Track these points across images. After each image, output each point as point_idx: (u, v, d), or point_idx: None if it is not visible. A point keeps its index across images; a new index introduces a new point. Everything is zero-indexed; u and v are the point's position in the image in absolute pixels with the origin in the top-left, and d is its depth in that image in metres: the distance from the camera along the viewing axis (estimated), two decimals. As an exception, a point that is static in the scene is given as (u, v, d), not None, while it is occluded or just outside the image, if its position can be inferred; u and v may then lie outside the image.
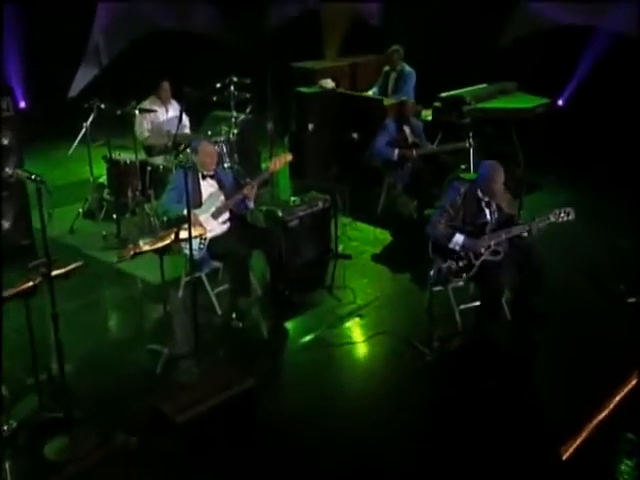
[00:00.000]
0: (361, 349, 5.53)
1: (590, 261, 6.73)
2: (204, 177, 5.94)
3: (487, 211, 5.56)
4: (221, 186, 6.00)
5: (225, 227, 5.97)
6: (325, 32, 11.36)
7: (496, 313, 5.55)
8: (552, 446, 4.41)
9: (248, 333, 5.74)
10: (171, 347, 5.26)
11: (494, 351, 5.47)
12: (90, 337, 5.60)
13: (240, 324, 5.76)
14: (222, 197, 5.97)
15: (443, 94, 8.88)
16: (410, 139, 7.77)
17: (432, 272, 5.14)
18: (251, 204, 6.07)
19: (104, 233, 7.17)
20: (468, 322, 5.65)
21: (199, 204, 5.84)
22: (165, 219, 5.71)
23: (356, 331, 5.74)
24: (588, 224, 7.47)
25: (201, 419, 4.23)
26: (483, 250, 5.43)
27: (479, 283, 5.57)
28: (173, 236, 4.88)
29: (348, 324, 5.84)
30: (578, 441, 4.56)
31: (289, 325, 5.85)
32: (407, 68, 9.15)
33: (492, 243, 5.46)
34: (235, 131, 7.62)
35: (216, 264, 5.98)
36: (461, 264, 5.44)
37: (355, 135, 8.43)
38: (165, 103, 7.67)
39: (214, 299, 5.93)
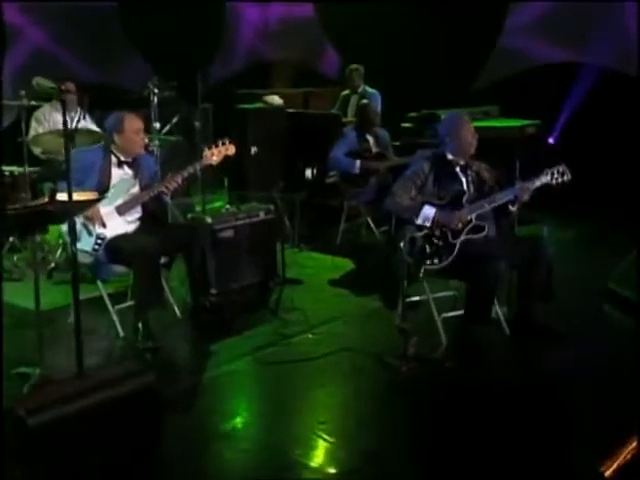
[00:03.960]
0: (314, 366, 4.62)
1: (604, 280, 5.95)
2: (120, 164, 5.14)
3: (463, 179, 4.91)
4: (137, 173, 5.18)
5: (131, 228, 5.10)
6: (275, 71, 11.04)
7: (486, 315, 4.72)
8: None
9: (159, 354, 4.80)
10: (46, 369, 4.30)
11: (485, 362, 4.64)
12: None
13: (150, 343, 4.81)
14: (136, 188, 5.15)
15: (413, 114, 8.39)
16: (374, 149, 7.13)
17: (402, 244, 4.28)
18: (168, 199, 5.30)
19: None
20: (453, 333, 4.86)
21: (105, 190, 5.00)
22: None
23: (308, 349, 4.85)
24: (596, 252, 6.92)
25: (69, 423, 3.22)
26: (461, 225, 4.67)
27: (465, 276, 4.74)
28: (48, 197, 4.00)
29: (297, 343, 4.96)
30: (620, 459, 3.72)
31: (217, 346, 4.91)
32: (370, 90, 8.67)
33: (473, 216, 4.72)
34: (157, 143, 6.86)
35: (119, 269, 5.07)
36: (439, 243, 4.64)
37: (308, 173, 7.89)
38: (69, 110, 6.88)
39: (115, 317, 5.01)
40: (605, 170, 8.72)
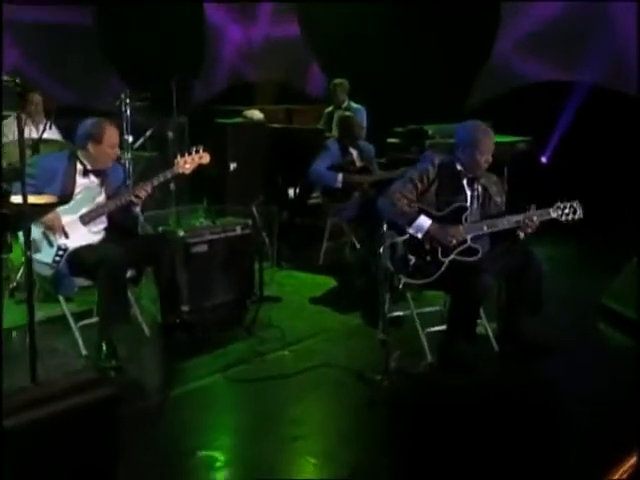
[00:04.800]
0: (291, 383, 4.48)
1: (597, 296, 5.81)
2: (86, 172, 4.98)
3: (468, 192, 4.69)
4: (103, 182, 5.03)
5: (95, 239, 4.94)
6: (258, 91, 11.00)
7: (470, 329, 4.57)
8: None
9: (125, 372, 4.62)
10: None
11: (470, 376, 4.45)
12: None
13: (113, 362, 4.62)
14: (102, 197, 5.00)
15: (399, 129, 8.29)
16: (358, 163, 7.02)
17: (382, 249, 4.13)
18: (138, 210, 5.16)
19: None
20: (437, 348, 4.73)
21: (68, 198, 4.83)
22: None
23: (284, 365, 4.71)
24: (589, 270, 6.91)
25: (22, 434, 3.04)
26: (455, 243, 4.51)
27: (450, 289, 4.61)
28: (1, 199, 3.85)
29: (272, 360, 4.82)
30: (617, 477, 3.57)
31: (186, 364, 4.75)
32: (354, 105, 8.59)
33: (469, 237, 4.55)
34: (128, 155, 6.71)
35: (82, 282, 4.90)
36: (427, 258, 4.49)
37: (291, 192, 7.79)
38: (36, 122, 6.80)
39: (77, 334, 4.82)
40: (599, 188, 8.67)
